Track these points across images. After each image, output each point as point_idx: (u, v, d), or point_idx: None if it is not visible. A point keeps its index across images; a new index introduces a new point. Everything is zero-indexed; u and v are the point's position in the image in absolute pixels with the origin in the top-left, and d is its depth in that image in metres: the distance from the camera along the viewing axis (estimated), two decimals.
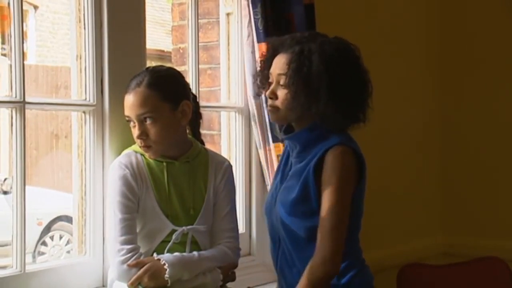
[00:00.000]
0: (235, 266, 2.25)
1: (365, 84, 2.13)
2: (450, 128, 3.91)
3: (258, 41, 2.67)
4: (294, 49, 2.09)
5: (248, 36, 2.71)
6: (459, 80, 3.88)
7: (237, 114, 2.85)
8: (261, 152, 2.76)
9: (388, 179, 3.39)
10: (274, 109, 2.13)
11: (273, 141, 2.70)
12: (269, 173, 2.74)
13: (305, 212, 2.09)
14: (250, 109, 2.77)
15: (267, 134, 2.72)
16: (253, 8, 2.66)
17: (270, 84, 2.16)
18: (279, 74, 2.11)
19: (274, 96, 2.12)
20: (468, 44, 3.87)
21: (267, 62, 2.19)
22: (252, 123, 2.77)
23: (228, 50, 2.87)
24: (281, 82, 2.10)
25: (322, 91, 2.04)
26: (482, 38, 3.84)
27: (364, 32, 3.26)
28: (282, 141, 2.68)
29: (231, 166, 2.33)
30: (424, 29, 3.81)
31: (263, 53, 2.25)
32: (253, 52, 2.70)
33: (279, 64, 2.12)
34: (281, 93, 2.10)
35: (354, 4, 3.23)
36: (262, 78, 2.23)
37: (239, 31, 2.79)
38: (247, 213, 2.85)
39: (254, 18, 2.67)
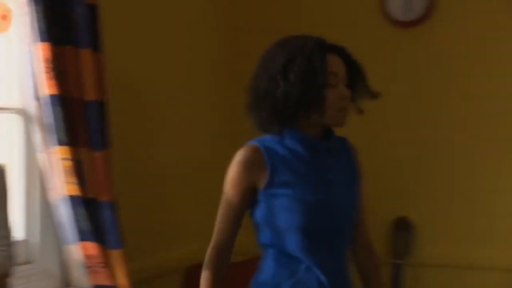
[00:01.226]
0: (7, 275, 2.16)
1: None
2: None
3: (40, 40, 2.58)
4: (342, 48, 2.02)
5: (28, 35, 2.61)
6: None
7: (16, 116, 2.73)
8: (42, 155, 2.67)
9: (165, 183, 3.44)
10: (347, 111, 2.02)
11: (59, 144, 2.62)
12: (50, 176, 2.66)
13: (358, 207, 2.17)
14: (31, 111, 2.67)
15: (49, 137, 2.63)
16: (34, 6, 2.57)
17: (326, 85, 1.97)
18: (343, 74, 2.00)
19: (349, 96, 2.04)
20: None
21: (322, 62, 1.96)
22: (32, 125, 2.68)
23: (7, 49, 2.74)
24: (344, 82, 2.01)
25: None
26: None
27: (149, 34, 3.27)
28: (67, 144, 2.60)
29: (4, 170, 2.23)
30: (215, 34, 3.87)
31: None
32: (32, 51, 2.60)
33: (338, 64, 2.00)
34: (349, 92, 2.01)
35: (140, 6, 3.22)
36: (320, 78, 1.96)
37: (18, 29, 2.68)
38: (28, 219, 2.74)
39: (36, 17, 2.57)
